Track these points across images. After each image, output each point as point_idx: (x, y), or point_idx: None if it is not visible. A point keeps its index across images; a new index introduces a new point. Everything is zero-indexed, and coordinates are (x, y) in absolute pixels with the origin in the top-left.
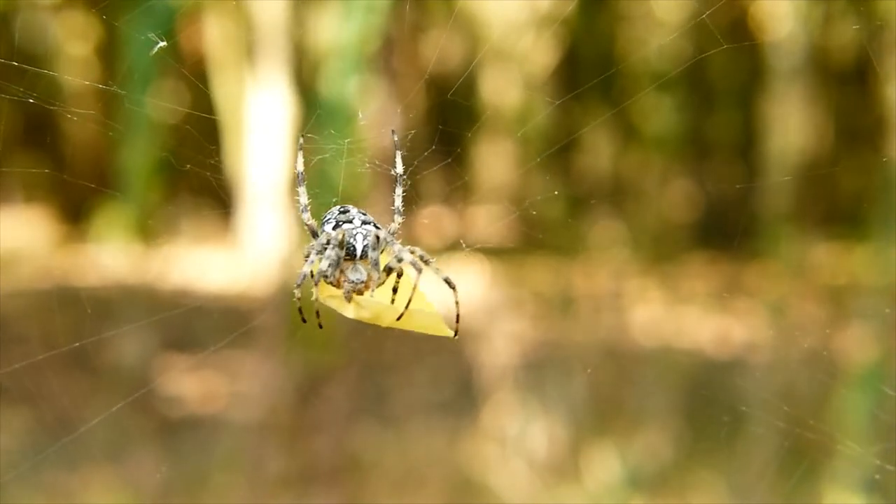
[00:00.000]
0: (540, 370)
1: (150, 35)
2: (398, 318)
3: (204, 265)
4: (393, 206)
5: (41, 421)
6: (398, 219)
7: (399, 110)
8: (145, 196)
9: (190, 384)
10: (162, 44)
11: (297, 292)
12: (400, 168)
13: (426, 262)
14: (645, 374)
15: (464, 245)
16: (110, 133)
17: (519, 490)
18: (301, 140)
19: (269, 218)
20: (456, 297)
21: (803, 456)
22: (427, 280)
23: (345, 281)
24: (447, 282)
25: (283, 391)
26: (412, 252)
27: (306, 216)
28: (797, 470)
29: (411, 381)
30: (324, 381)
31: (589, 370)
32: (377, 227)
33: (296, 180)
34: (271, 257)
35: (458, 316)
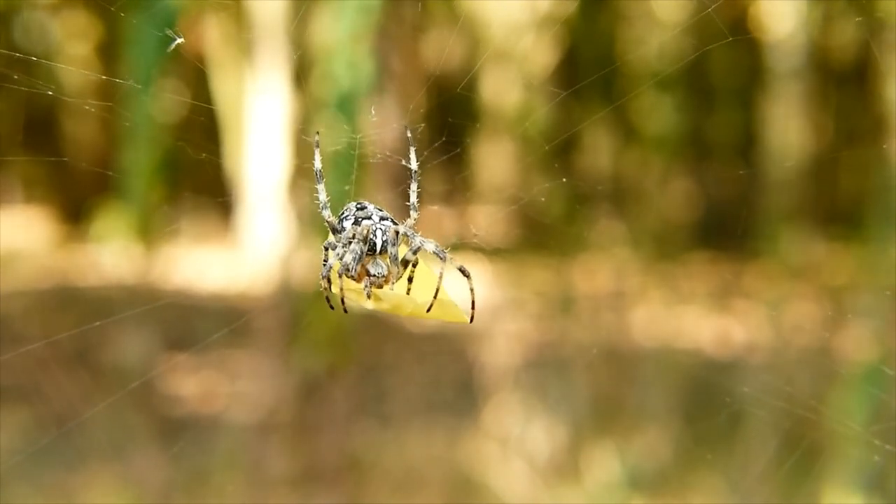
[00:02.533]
0: (540, 370)
1: (167, 31)
2: (428, 310)
3: (204, 265)
4: (408, 201)
5: (37, 420)
6: (414, 214)
7: (403, 106)
8: (146, 196)
9: (190, 384)
10: (180, 40)
11: (324, 283)
12: (414, 164)
13: (442, 253)
14: (645, 374)
15: (474, 230)
16: (120, 121)
17: (519, 490)
18: (317, 137)
19: (269, 217)
20: (471, 284)
21: (804, 455)
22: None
23: (366, 275)
24: (461, 270)
25: (283, 391)
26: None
27: (326, 213)
28: (797, 469)
29: (411, 381)
30: (324, 381)
31: (595, 350)
32: (395, 223)
33: (314, 178)
34: (271, 257)
35: (473, 302)
